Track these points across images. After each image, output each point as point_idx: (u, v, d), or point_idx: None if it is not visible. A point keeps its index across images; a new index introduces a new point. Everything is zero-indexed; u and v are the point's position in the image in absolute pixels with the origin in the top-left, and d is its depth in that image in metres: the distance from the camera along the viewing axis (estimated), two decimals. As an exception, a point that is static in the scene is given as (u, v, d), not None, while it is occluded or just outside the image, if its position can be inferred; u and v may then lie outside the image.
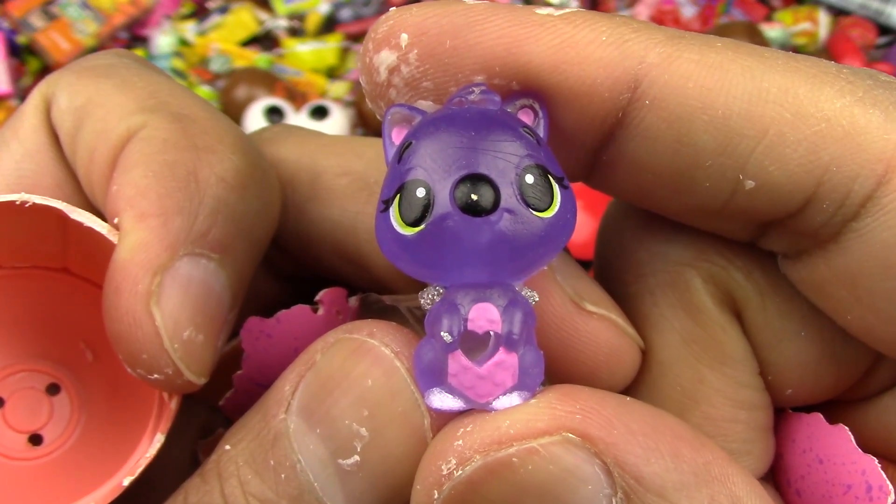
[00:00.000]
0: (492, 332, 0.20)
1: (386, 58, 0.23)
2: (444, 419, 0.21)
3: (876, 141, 0.21)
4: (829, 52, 1.05)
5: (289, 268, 0.33)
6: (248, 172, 0.26)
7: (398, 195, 0.20)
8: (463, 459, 0.20)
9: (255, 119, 1.01)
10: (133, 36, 1.22)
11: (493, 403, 0.20)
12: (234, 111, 1.05)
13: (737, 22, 1.18)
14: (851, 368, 0.26)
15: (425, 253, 0.20)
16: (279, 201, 0.28)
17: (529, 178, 0.20)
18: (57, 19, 1.16)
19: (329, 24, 1.24)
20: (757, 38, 1.11)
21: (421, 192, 0.20)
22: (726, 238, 0.25)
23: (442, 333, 0.20)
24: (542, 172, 0.20)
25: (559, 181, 0.21)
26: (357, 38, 1.23)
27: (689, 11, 1.22)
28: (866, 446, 0.25)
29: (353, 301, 0.30)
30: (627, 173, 0.24)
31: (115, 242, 0.24)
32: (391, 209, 0.20)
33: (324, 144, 0.31)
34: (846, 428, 0.25)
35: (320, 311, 0.28)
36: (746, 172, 0.22)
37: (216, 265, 0.25)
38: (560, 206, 0.20)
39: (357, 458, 0.22)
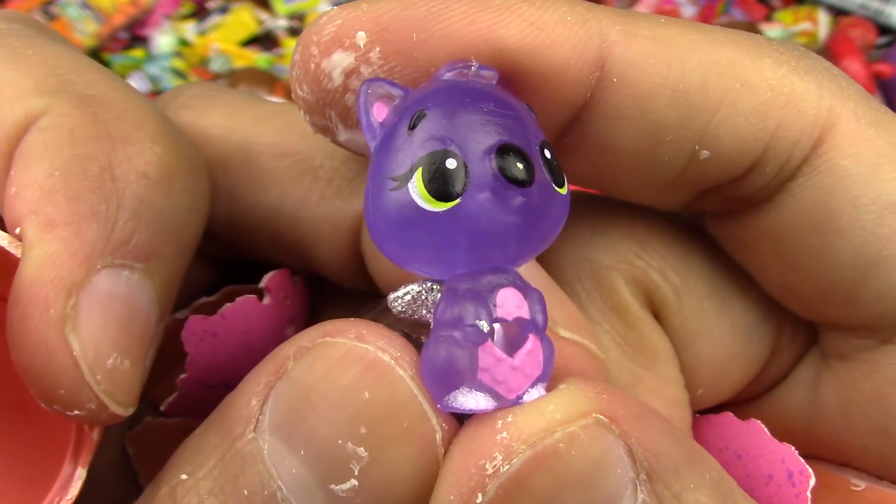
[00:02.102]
0: (518, 320, 0.19)
1: (341, 60, 0.21)
2: (453, 431, 0.19)
3: (813, 107, 0.22)
4: (829, 51, 1.05)
5: (217, 252, 0.29)
6: (174, 164, 0.22)
7: (420, 168, 0.18)
8: (510, 453, 0.18)
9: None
10: (133, 36, 1.22)
11: (525, 397, 0.19)
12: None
13: (737, 22, 1.18)
14: (753, 364, 0.27)
15: (457, 231, 0.18)
16: (209, 192, 0.25)
17: (547, 154, 0.19)
18: (57, 19, 1.16)
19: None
20: None
21: (452, 163, 0.18)
22: (641, 238, 0.26)
23: (477, 322, 0.18)
24: (551, 149, 0.19)
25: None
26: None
27: (688, 11, 1.22)
28: None
29: (298, 279, 0.27)
30: (588, 155, 0.23)
31: (19, 256, 0.20)
32: (410, 184, 0.18)
33: (258, 118, 0.27)
34: (758, 422, 0.25)
35: (267, 300, 0.26)
36: (703, 143, 0.22)
37: (140, 276, 0.21)
38: (567, 184, 0.20)
39: (354, 482, 0.19)
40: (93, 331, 0.20)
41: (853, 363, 0.25)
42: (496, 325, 0.19)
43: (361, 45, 0.21)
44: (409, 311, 0.20)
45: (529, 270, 0.23)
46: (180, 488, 0.20)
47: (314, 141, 0.26)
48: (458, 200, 0.18)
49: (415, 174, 0.18)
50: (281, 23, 1.23)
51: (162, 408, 0.26)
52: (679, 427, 0.25)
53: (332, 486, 0.19)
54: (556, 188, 0.19)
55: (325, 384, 0.19)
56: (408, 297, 0.20)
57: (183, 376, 0.25)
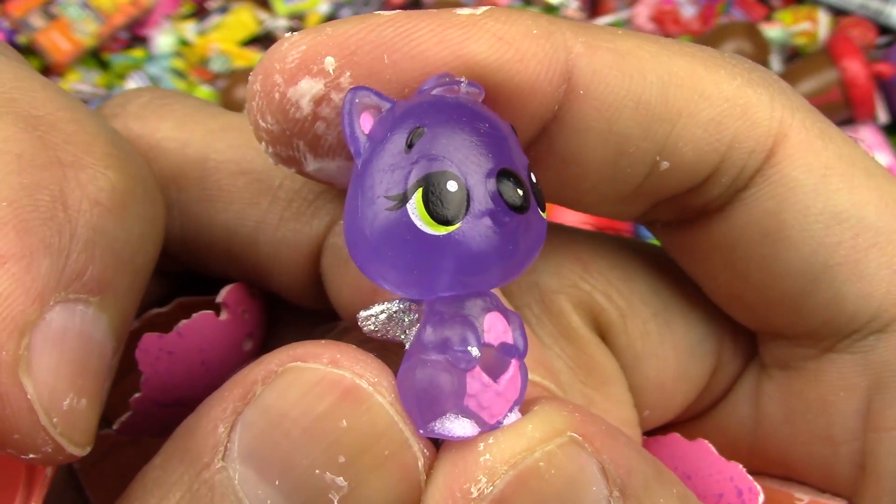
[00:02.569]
0: (502, 345, 0.18)
1: (309, 88, 0.20)
2: (433, 456, 0.19)
3: (766, 118, 0.23)
4: (829, 51, 1.05)
5: (169, 267, 0.28)
6: (128, 189, 0.21)
7: (420, 189, 0.18)
8: (494, 475, 0.18)
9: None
10: (133, 36, 1.22)
11: (504, 422, 0.19)
12: (234, 111, 1.06)
13: (737, 22, 1.18)
14: (697, 383, 0.27)
15: (449, 253, 0.18)
16: (163, 216, 0.23)
17: (533, 177, 0.19)
18: (57, 19, 1.16)
19: (329, 24, 1.25)
20: (757, 39, 1.11)
21: (453, 186, 0.17)
22: (585, 261, 0.26)
23: (469, 349, 0.18)
24: (532, 172, 0.19)
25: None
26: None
27: (689, 11, 1.22)
28: None
29: (256, 291, 0.26)
30: (552, 169, 0.23)
31: None
32: (411, 205, 0.17)
33: (214, 131, 0.26)
34: (706, 441, 0.26)
35: (224, 315, 0.24)
36: (663, 154, 0.23)
37: (95, 309, 0.20)
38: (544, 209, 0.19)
39: None
40: (47, 371, 0.19)
41: (796, 372, 0.26)
42: (496, 348, 0.19)
43: (331, 71, 0.20)
44: (383, 331, 0.19)
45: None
46: None
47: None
48: (458, 225, 0.17)
49: (414, 195, 0.17)
50: (281, 23, 1.23)
51: (115, 427, 0.25)
52: None
53: None
54: (541, 212, 0.19)
55: (298, 412, 0.19)
56: (382, 317, 0.19)
57: (137, 395, 0.24)
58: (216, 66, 1.18)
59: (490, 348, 0.18)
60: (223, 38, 1.21)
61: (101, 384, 0.20)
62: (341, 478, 0.18)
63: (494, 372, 0.18)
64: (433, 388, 0.18)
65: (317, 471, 0.18)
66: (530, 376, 0.23)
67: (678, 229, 0.25)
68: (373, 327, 0.19)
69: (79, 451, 0.20)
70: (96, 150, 0.21)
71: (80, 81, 1.16)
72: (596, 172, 0.23)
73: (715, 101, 0.22)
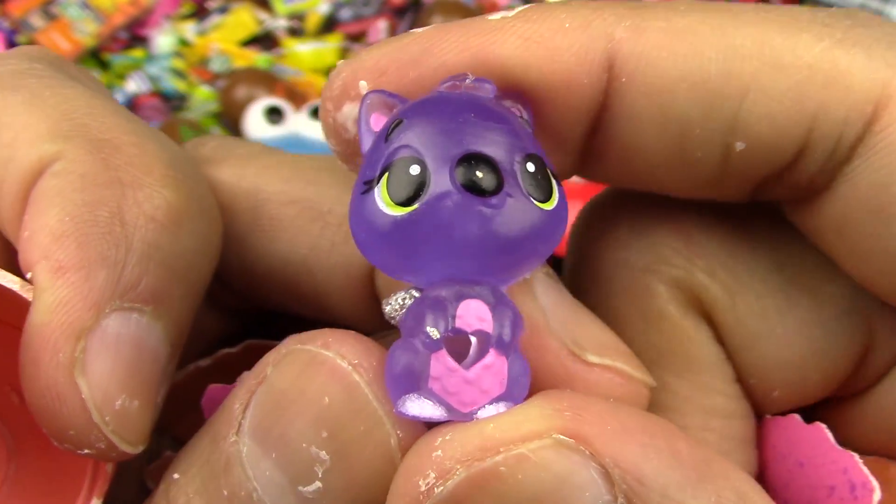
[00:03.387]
0: (478, 332, 0.18)
1: (350, 111, 0.22)
2: (413, 437, 0.19)
3: (862, 82, 0.20)
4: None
5: (231, 301, 0.29)
6: (183, 207, 0.23)
7: (386, 173, 0.18)
8: (443, 472, 0.18)
9: (255, 119, 1.01)
10: (133, 36, 1.22)
11: (478, 413, 0.18)
12: (234, 111, 1.05)
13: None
14: (840, 362, 0.25)
15: (414, 237, 0.18)
16: (220, 235, 0.25)
17: (531, 167, 0.18)
18: (57, 19, 1.16)
19: (329, 24, 1.24)
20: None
21: (415, 169, 0.18)
22: (687, 235, 0.24)
23: (427, 329, 0.18)
24: (542, 163, 0.19)
25: (555, 175, 0.19)
26: (357, 38, 1.23)
27: (688, 11, 1.22)
28: (869, 441, 0.24)
29: None
30: (619, 158, 0.23)
31: (30, 300, 0.21)
32: (376, 188, 0.18)
33: (267, 166, 0.27)
34: (823, 426, 0.24)
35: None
36: (735, 134, 0.21)
37: (149, 318, 0.22)
38: (558, 201, 0.19)
39: (319, 484, 0.19)
40: (101, 374, 0.21)
41: None
42: (451, 338, 0.18)
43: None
44: (397, 318, 0.20)
45: (550, 290, 0.23)
46: (173, 487, 0.21)
47: (322, 188, 0.26)
48: (416, 206, 0.18)
49: (382, 179, 0.18)
50: (281, 23, 1.23)
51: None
52: (716, 442, 0.24)
53: (301, 488, 0.19)
54: (536, 202, 0.18)
55: (293, 390, 0.20)
56: (396, 304, 0.20)
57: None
58: (216, 66, 1.18)
59: (463, 335, 0.18)
60: (223, 38, 1.21)
61: (155, 387, 0.22)
62: (324, 451, 0.19)
63: (467, 359, 0.18)
64: (397, 367, 0.18)
65: (304, 444, 0.19)
66: (597, 359, 0.22)
67: (798, 208, 0.23)
68: (391, 314, 0.20)
69: (131, 448, 0.21)
70: (154, 171, 0.23)
71: (80, 81, 1.16)
72: (664, 159, 0.22)
73: (791, 71, 0.20)
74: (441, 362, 0.18)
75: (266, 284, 0.27)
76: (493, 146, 0.18)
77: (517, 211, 0.18)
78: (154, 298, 0.22)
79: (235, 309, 0.30)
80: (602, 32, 0.21)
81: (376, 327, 0.27)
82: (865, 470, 0.23)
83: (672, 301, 0.25)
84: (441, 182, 0.18)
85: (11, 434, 0.25)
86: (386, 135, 0.19)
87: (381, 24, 1.22)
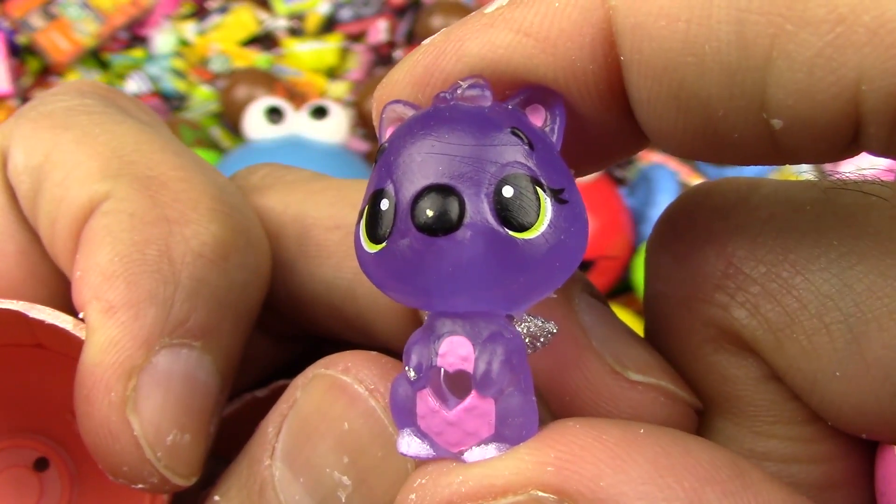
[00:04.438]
0: (458, 373, 0.17)
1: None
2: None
3: None
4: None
5: (283, 328, 0.29)
6: (230, 241, 0.23)
7: (367, 206, 0.18)
8: None
9: (255, 119, 1.01)
10: (133, 36, 1.22)
11: (465, 455, 0.17)
12: (234, 111, 1.05)
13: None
14: None
15: (384, 273, 0.18)
16: (268, 265, 0.25)
17: (508, 191, 0.17)
18: (57, 19, 1.16)
19: (329, 24, 1.24)
20: None
21: (385, 205, 0.17)
22: (729, 262, 0.21)
23: (405, 368, 0.18)
24: (530, 183, 0.17)
25: (554, 194, 0.17)
26: (357, 38, 1.23)
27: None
28: None
29: None
30: (659, 135, 0.19)
31: (83, 339, 0.22)
32: (361, 222, 0.18)
33: (313, 192, 0.27)
34: None
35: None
36: (769, 111, 0.17)
37: (199, 352, 0.22)
38: (549, 225, 0.17)
39: None
40: (152, 410, 0.21)
41: None
42: (449, 375, 0.17)
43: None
44: None
45: (593, 308, 0.22)
46: None
47: None
48: (385, 244, 0.17)
49: (364, 212, 0.18)
50: (281, 23, 1.23)
51: None
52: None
53: None
54: (509, 231, 0.17)
55: (316, 415, 0.20)
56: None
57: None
58: (216, 66, 1.18)
59: (444, 373, 0.17)
60: (223, 38, 1.21)
61: (207, 420, 0.23)
62: (346, 477, 0.20)
63: (450, 399, 0.17)
64: (393, 401, 0.18)
65: (327, 469, 0.20)
66: (642, 378, 0.21)
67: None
68: None
69: (183, 481, 0.22)
70: (201, 206, 0.23)
71: (80, 81, 1.16)
72: (700, 141, 0.18)
73: (821, 27, 0.16)
74: (423, 402, 0.17)
75: (312, 310, 0.27)
76: (466, 171, 0.17)
77: (482, 245, 0.17)
78: (203, 333, 0.22)
79: (288, 335, 0.30)
80: (596, 2, 0.18)
81: None
82: None
83: (710, 341, 0.22)
84: (402, 220, 0.17)
85: (74, 461, 0.26)
86: (375, 160, 0.18)
87: (381, 24, 1.22)
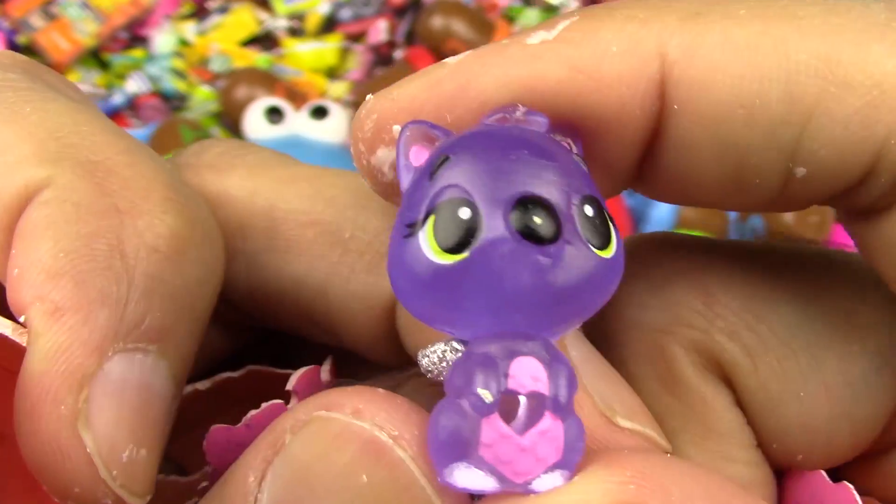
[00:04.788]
0: (533, 394, 0.16)
1: (385, 156, 0.20)
2: None
3: None
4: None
5: (235, 319, 0.27)
6: (186, 234, 0.21)
7: (432, 216, 0.17)
8: None
9: (255, 119, 1.01)
10: (133, 36, 1.22)
11: (534, 484, 0.16)
12: (234, 111, 1.05)
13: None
14: (870, 423, 0.23)
15: (463, 287, 0.16)
16: (223, 260, 0.23)
17: (589, 211, 0.17)
18: (57, 19, 1.16)
19: (329, 24, 1.24)
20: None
21: (465, 213, 0.16)
22: (707, 293, 0.23)
23: (479, 391, 0.16)
24: (600, 206, 0.17)
25: (612, 221, 0.18)
26: (357, 38, 1.23)
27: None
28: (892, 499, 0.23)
29: (326, 374, 0.25)
30: (671, 182, 0.21)
31: (24, 345, 0.19)
32: (422, 232, 0.17)
33: (283, 181, 0.25)
34: (849, 486, 0.22)
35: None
36: (796, 160, 0.19)
37: (154, 357, 0.20)
38: (616, 247, 0.17)
39: None
40: (106, 424, 0.19)
41: None
42: (520, 400, 0.17)
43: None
44: (436, 371, 0.18)
45: (578, 346, 0.21)
46: None
47: (343, 210, 0.24)
48: (466, 254, 0.16)
49: (427, 222, 0.17)
50: (281, 23, 1.23)
51: None
52: None
53: None
54: (594, 249, 0.17)
55: (322, 465, 0.18)
56: (435, 357, 0.18)
57: (204, 485, 0.23)
58: (216, 66, 1.18)
59: (515, 396, 0.17)
60: (223, 38, 1.21)
61: (161, 432, 0.20)
62: None
63: (521, 424, 0.16)
64: (444, 433, 0.16)
65: None
66: (628, 424, 0.21)
67: (852, 222, 0.21)
68: (427, 367, 0.18)
69: (139, 501, 0.19)
70: (154, 195, 0.21)
71: (80, 81, 1.16)
72: (718, 185, 0.20)
73: (860, 91, 0.18)
74: (493, 428, 0.16)
75: (277, 306, 0.26)
76: (550, 187, 0.17)
77: (576, 259, 0.16)
78: (159, 336, 0.20)
79: (238, 326, 0.28)
80: (654, 52, 0.19)
81: (392, 362, 0.26)
82: None
83: (690, 365, 0.23)
84: (495, 227, 0.16)
85: None
86: (430, 172, 0.17)
87: (381, 24, 1.22)
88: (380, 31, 1.22)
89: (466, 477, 0.16)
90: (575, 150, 0.19)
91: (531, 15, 1.19)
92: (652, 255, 0.24)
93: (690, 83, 0.19)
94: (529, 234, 0.16)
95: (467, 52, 0.20)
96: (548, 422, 0.16)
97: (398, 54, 1.20)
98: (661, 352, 0.23)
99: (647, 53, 0.19)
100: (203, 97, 1.15)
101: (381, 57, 1.22)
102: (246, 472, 0.18)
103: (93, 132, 0.21)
